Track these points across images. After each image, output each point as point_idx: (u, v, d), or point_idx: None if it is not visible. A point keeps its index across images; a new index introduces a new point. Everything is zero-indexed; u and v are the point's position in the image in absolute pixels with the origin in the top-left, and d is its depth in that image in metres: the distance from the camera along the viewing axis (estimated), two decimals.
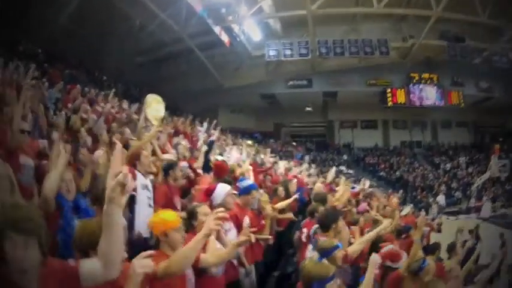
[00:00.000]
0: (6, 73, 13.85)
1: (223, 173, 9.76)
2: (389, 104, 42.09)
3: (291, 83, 42.43)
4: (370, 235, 7.66)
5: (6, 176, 5.27)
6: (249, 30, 38.37)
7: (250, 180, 9.16)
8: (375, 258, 5.97)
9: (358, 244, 7.22)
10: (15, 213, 2.81)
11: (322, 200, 10.27)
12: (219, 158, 12.68)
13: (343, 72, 41.10)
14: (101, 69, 33.58)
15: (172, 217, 5.05)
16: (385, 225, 8.71)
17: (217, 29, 36.10)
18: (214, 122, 19.50)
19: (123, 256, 3.38)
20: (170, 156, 10.26)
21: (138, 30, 35.86)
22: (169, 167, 8.74)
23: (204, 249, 5.25)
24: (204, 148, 12.41)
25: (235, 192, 7.99)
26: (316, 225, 7.90)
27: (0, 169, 5.26)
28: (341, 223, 7.48)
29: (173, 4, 32.38)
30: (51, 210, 5.16)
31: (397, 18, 38.40)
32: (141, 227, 6.78)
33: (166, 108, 9.55)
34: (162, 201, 7.90)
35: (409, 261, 6.87)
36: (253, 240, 6.09)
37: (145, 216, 6.67)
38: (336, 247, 6.15)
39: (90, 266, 3.10)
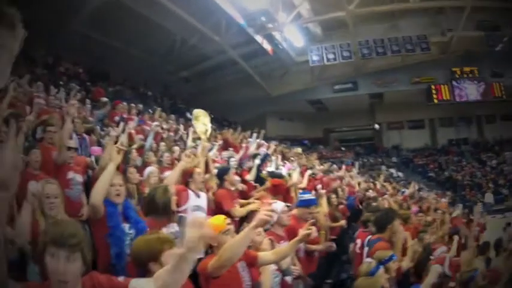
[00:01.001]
0: (49, 94, 14.22)
1: (280, 192, 9.85)
2: (435, 101, 41.09)
3: (336, 87, 41.94)
4: (415, 247, 7.65)
5: (59, 194, 5.34)
6: (290, 36, 37.85)
7: (312, 195, 8.88)
8: (437, 268, 6.09)
9: (410, 257, 7.29)
10: (57, 230, 2.87)
11: (375, 210, 10.05)
12: (275, 171, 12.40)
13: (387, 72, 40.53)
14: (146, 85, 33.45)
15: (219, 221, 5.17)
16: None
17: (258, 38, 35.82)
18: (263, 131, 19.26)
19: None
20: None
21: (180, 45, 35.73)
22: (223, 172, 8.86)
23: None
24: (257, 161, 12.41)
25: (288, 205, 7.98)
26: (371, 236, 7.80)
27: (53, 188, 5.29)
28: (397, 223, 7.40)
29: (212, 16, 32.27)
30: (99, 216, 5.20)
31: (433, 12, 37.56)
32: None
33: (214, 120, 9.26)
34: (229, 203, 8.12)
35: (462, 271, 6.76)
36: (314, 233, 6.48)
37: None
38: (391, 258, 6.14)
39: (141, 285, 3.12)
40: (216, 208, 8.27)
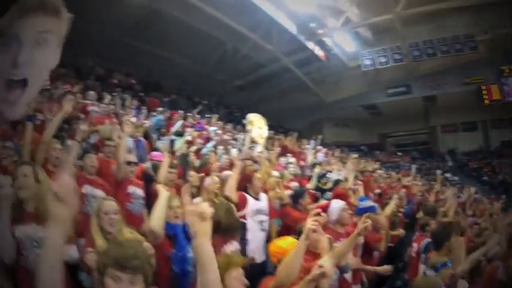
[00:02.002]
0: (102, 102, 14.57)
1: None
2: (486, 101, 39.50)
3: (390, 91, 41.06)
4: (474, 256, 7.30)
5: (119, 210, 5.23)
6: (341, 41, 37.44)
7: (371, 202, 8.90)
8: None
9: (466, 264, 7.06)
10: (120, 251, 2.80)
11: (432, 213, 10.28)
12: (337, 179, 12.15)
13: (438, 74, 39.37)
14: (201, 95, 33.17)
15: (289, 244, 5.06)
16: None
17: (310, 45, 35.56)
18: (320, 137, 19.14)
19: None
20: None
21: (232, 54, 35.59)
22: (299, 196, 8.82)
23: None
24: (316, 171, 12.30)
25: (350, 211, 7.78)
26: (427, 240, 7.90)
27: (112, 204, 5.20)
28: (454, 240, 7.24)
29: (262, 25, 32.11)
30: (159, 241, 5.22)
31: (476, 10, 36.06)
32: (255, 252, 6.92)
33: (271, 127, 9.18)
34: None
35: None
36: (369, 224, 6.29)
37: (259, 241, 7.09)
38: (445, 264, 6.14)
39: None
40: (283, 226, 8.35)
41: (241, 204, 7.37)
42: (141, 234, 5.54)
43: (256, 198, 7.79)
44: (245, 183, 7.87)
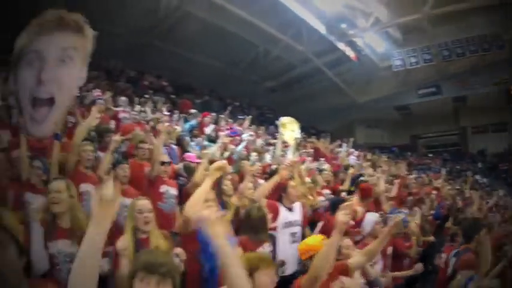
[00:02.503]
0: (133, 108, 14.70)
1: (369, 195, 9.70)
2: None
3: (420, 91, 40.29)
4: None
5: (152, 209, 5.34)
6: (372, 42, 36.94)
7: (402, 214, 8.51)
8: None
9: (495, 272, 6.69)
10: (149, 258, 2.90)
11: (462, 222, 9.83)
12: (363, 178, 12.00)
13: (468, 74, 38.33)
14: (233, 97, 33.25)
15: (316, 241, 5.35)
16: None
17: (341, 45, 35.22)
18: (351, 140, 19.51)
19: None
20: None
21: (264, 56, 35.45)
22: (338, 203, 7.74)
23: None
24: (349, 174, 12.30)
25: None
26: (456, 250, 7.75)
27: (145, 203, 5.30)
28: (483, 234, 6.75)
29: (292, 26, 31.94)
30: (191, 230, 5.30)
31: (503, 8, 35.31)
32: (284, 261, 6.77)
33: (302, 129, 9.10)
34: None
35: None
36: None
37: (289, 254, 6.90)
38: (472, 278, 6.05)
39: None
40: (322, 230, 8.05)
41: (273, 215, 7.19)
42: (173, 233, 5.72)
43: (290, 209, 7.63)
44: (280, 193, 7.70)
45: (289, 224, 7.41)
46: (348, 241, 5.96)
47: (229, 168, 6.80)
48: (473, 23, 34.30)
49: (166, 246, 5.11)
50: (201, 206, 4.98)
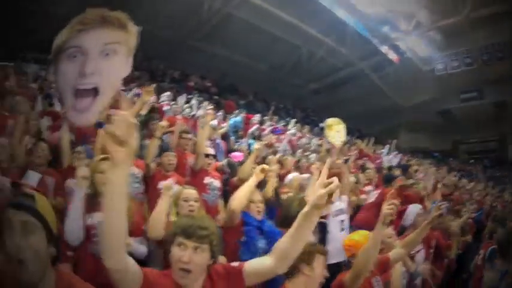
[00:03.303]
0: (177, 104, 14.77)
1: (414, 201, 9.35)
2: None
3: (463, 96, 39.53)
4: None
5: (198, 198, 5.27)
6: (414, 45, 36.69)
7: (444, 205, 8.94)
8: None
9: None
10: (188, 221, 3.02)
11: (502, 220, 10.17)
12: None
13: (508, 78, 36.63)
14: (277, 99, 32.92)
15: (361, 236, 5.13)
16: None
17: (384, 49, 35.12)
18: (394, 141, 19.73)
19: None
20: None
21: (308, 58, 35.28)
22: (391, 178, 9.47)
23: None
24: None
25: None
26: (493, 247, 7.55)
27: (192, 192, 5.26)
28: None
29: (335, 29, 31.80)
30: (234, 223, 5.35)
31: None
32: (333, 252, 6.52)
33: (347, 131, 9.09)
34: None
35: None
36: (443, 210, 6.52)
37: (338, 241, 6.60)
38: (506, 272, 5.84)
39: (254, 264, 3.13)
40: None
41: None
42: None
43: (338, 197, 7.48)
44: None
45: (339, 212, 7.44)
46: (390, 230, 5.86)
47: (275, 171, 7.14)
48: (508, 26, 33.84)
49: None
50: (245, 201, 5.29)
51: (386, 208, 4.40)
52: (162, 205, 4.90)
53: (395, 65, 36.60)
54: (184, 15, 25.99)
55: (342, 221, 7.53)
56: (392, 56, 35.87)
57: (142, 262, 4.52)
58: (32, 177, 5.29)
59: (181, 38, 27.84)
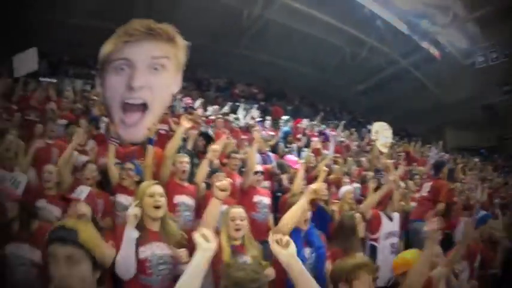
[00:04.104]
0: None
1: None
2: None
3: (506, 88, 37.95)
4: None
5: (245, 217, 5.31)
6: (453, 38, 35.77)
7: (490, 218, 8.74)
8: None
9: None
10: (240, 275, 3.03)
11: None
12: None
13: None
14: (324, 101, 33.62)
15: (413, 255, 5.01)
16: None
17: (425, 44, 34.43)
18: (440, 143, 20.13)
19: None
20: None
21: (351, 59, 34.68)
22: (441, 165, 9.64)
23: None
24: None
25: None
26: None
27: (239, 211, 5.28)
28: None
29: (375, 27, 31.34)
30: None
31: None
32: (382, 276, 6.52)
33: (394, 132, 8.99)
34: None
35: None
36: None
37: (388, 265, 6.26)
38: None
39: None
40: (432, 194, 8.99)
41: (375, 224, 7.26)
42: (265, 242, 5.17)
43: (390, 218, 7.56)
44: (385, 201, 7.62)
45: (389, 235, 7.30)
46: (438, 249, 5.63)
47: (325, 191, 7.14)
48: None
49: (260, 253, 5.19)
50: (292, 223, 5.24)
51: (433, 223, 4.45)
52: (301, 203, 5.23)
53: (437, 61, 35.75)
54: (225, 23, 26.07)
55: (393, 243, 7.41)
56: (434, 51, 35.14)
57: None
58: (82, 192, 5.24)
59: (225, 47, 27.90)
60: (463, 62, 35.91)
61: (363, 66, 34.72)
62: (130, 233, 4.54)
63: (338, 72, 34.75)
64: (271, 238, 3.17)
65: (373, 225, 7.16)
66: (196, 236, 2.90)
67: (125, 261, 4.47)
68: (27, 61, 11.70)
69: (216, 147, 7.17)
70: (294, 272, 3.06)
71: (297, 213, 5.20)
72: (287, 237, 3.11)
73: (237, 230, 5.09)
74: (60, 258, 2.46)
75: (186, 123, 7.10)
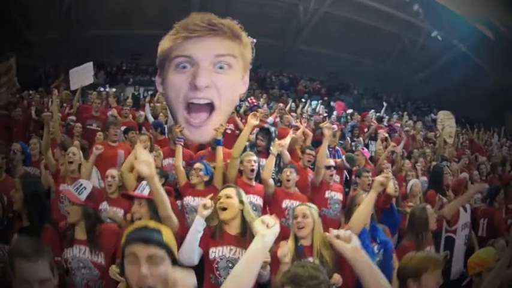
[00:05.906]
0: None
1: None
2: None
3: None
4: None
5: (309, 214, 5.03)
6: (502, 17, 34.55)
7: None
8: None
9: None
10: (299, 271, 2.90)
11: None
12: None
13: None
14: (386, 92, 33.63)
15: (490, 255, 4.73)
16: None
17: (479, 26, 33.75)
18: (503, 128, 20.49)
19: None
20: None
21: (410, 47, 34.54)
22: (496, 192, 8.55)
23: None
24: None
25: None
26: None
27: (303, 208, 5.07)
28: None
29: (430, 11, 31.41)
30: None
31: None
32: (456, 266, 6.60)
33: (456, 120, 8.75)
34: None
35: None
36: None
37: (461, 257, 6.65)
38: None
39: None
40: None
41: (454, 216, 7.02)
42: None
43: (465, 209, 7.35)
44: (459, 191, 7.54)
45: (465, 226, 7.22)
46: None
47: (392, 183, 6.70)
48: None
49: (330, 256, 4.82)
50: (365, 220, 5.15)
51: None
52: (370, 198, 5.13)
53: (492, 42, 34.69)
54: (282, 20, 26.54)
55: (466, 234, 7.26)
56: (487, 32, 34.29)
57: None
58: (145, 187, 5.01)
59: (284, 43, 28.20)
60: None
61: (423, 53, 34.31)
62: (197, 221, 4.58)
63: (399, 61, 34.47)
64: (331, 235, 2.95)
65: (452, 217, 6.94)
66: (256, 222, 2.88)
67: (187, 246, 4.54)
68: (83, 74, 12.18)
69: (282, 141, 7.05)
70: (361, 265, 2.81)
71: (367, 209, 5.08)
72: (348, 231, 2.92)
73: (299, 228, 4.92)
74: (141, 258, 2.44)
75: (254, 121, 6.92)
